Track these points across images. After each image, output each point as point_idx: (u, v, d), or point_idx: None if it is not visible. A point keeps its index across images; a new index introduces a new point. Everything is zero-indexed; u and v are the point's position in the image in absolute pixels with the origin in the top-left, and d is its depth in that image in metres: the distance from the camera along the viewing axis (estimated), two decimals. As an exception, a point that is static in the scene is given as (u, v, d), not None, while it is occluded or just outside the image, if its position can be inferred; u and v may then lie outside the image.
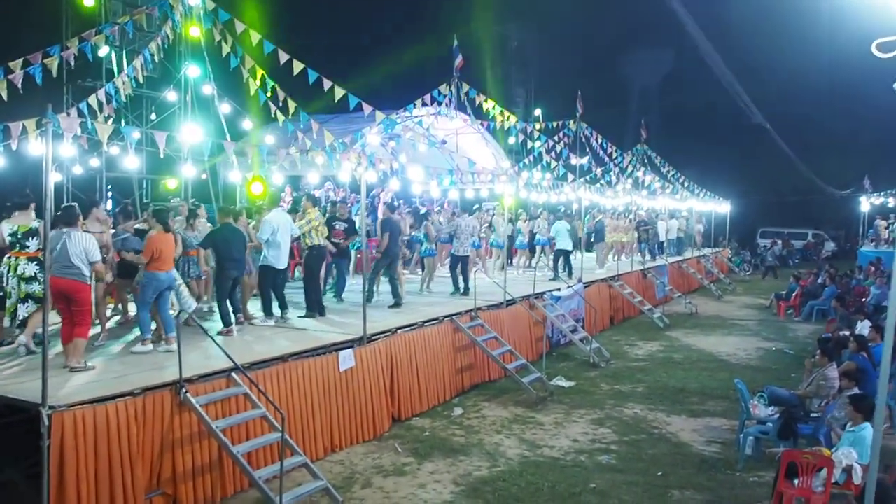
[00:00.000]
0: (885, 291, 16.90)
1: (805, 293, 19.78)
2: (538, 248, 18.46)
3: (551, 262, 17.04)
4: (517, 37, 36.48)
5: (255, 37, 10.20)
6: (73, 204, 7.59)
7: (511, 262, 17.42)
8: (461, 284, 13.30)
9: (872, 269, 21.40)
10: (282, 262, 9.81)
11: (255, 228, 10.20)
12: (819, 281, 20.86)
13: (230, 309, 9.07)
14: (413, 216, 15.44)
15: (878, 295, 16.52)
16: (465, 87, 17.33)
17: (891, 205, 32.31)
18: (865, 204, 32.76)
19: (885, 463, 6.71)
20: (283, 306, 9.98)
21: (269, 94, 10.48)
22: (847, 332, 11.37)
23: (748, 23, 37.05)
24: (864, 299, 17.49)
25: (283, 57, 10.07)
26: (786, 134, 33.49)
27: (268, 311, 9.73)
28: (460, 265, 13.44)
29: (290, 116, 10.39)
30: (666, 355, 13.87)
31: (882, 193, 32.45)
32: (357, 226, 12.05)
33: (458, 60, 17.33)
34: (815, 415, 8.31)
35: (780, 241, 38.37)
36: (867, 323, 12.20)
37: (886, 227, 29.91)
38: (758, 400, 8.65)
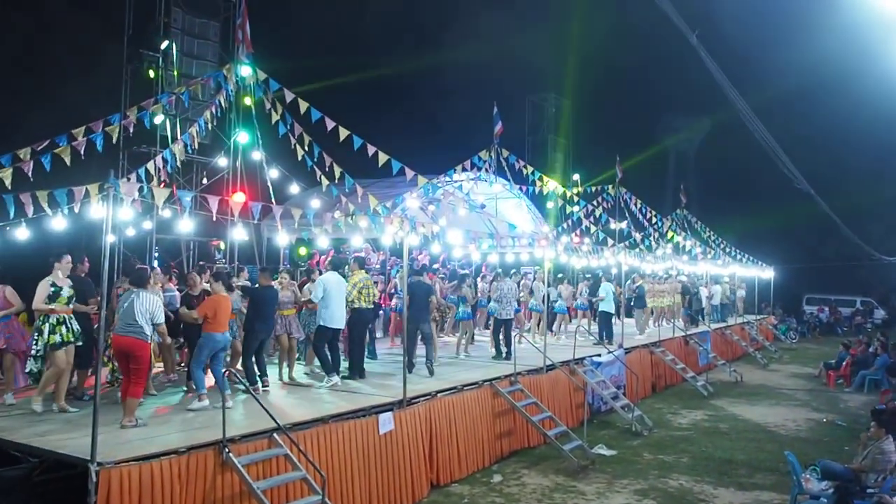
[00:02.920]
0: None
1: (856, 362, 19.15)
2: (580, 313, 18.34)
3: (591, 327, 16.87)
4: (555, 104, 37.01)
5: (303, 105, 10.61)
6: (144, 266, 7.88)
7: (550, 328, 17.29)
8: (503, 349, 13.22)
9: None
10: (336, 321, 9.92)
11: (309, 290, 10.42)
12: (870, 350, 20.20)
13: (255, 369, 9.20)
14: (452, 279, 15.54)
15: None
16: (505, 153, 17.66)
17: None
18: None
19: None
20: (336, 368, 10.01)
21: (314, 160, 10.82)
22: (902, 404, 10.96)
23: (798, 88, 37.20)
24: (918, 370, 16.87)
25: (330, 124, 10.44)
26: (830, 198, 33.07)
27: (328, 370, 9.79)
28: (503, 329, 13.40)
29: (335, 181, 10.69)
30: (711, 424, 13.48)
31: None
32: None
33: (498, 127, 17.70)
34: (871, 490, 7.97)
35: (826, 308, 37.39)
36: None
37: None
38: (810, 474, 8.36)
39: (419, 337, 11.83)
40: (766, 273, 34.30)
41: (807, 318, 37.42)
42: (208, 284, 8.97)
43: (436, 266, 17.55)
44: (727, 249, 28.88)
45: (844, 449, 11.35)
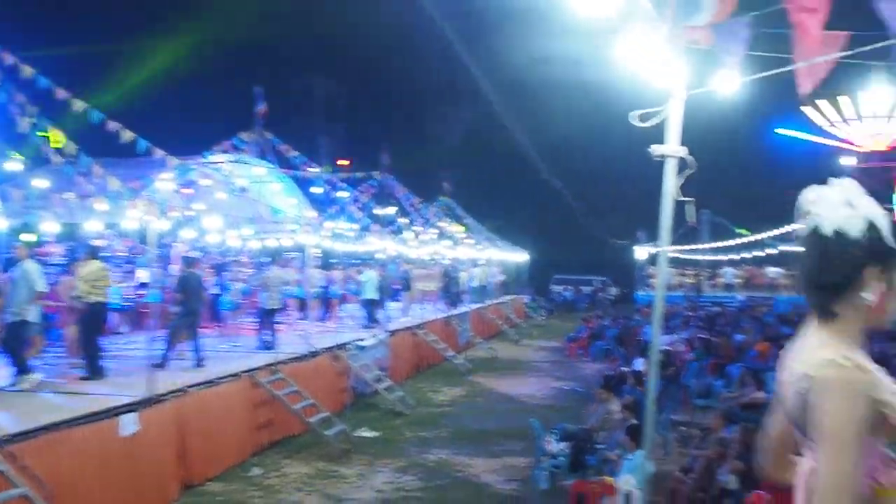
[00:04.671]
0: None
1: (592, 335, 21.38)
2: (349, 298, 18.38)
3: (359, 313, 16.98)
4: (325, 88, 36.77)
5: (27, 70, 9.30)
6: None
7: (321, 314, 17.10)
8: (268, 338, 12.72)
9: (646, 311, 23.69)
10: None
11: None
12: (604, 323, 22.69)
13: None
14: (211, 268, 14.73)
15: (650, 334, 18.25)
16: (269, 135, 17.07)
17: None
18: (640, 253, 36.42)
19: (663, 486, 7.32)
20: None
21: (43, 133, 9.55)
22: (626, 369, 12.40)
23: (544, 88, 40.26)
24: (639, 338, 19.24)
25: (62, 94, 9.28)
26: (575, 190, 36.64)
27: (25, 369, 8.60)
28: (267, 318, 12.90)
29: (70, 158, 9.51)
30: (469, 399, 14.24)
31: (651, 244, 36.32)
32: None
33: (261, 107, 17.06)
34: (600, 446, 8.89)
35: (570, 288, 41.39)
36: (641, 360, 13.39)
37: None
38: (551, 436, 9.11)
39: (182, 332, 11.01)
40: (521, 257, 37.12)
41: (553, 296, 41.08)
42: None
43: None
44: (487, 236, 30.78)
45: (582, 412, 12.57)
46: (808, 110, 31.95)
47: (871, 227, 1.78)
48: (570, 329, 25.80)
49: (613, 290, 43.46)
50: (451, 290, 23.70)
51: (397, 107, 48.43)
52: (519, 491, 8.60)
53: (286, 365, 11.28)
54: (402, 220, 23.67)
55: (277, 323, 13.22)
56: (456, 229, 27.52)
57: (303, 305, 15.65)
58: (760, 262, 40.90)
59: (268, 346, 12.47)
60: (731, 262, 42.65)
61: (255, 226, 16.01)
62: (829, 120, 32.01)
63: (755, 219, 36.84)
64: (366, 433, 11.15)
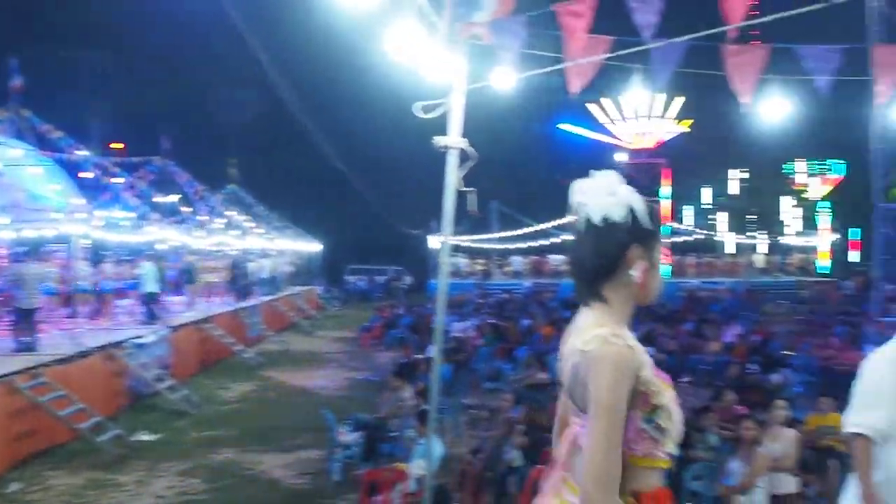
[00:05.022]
0: (447, 319, 19.47)
1: (386, 324, 21.64)
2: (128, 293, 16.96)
3: (137, 308, 15.74)
4: (94, 61, 33.46)
5: None
6: None
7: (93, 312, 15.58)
8: (27, 339, 11.30)
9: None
10: None
11: None
12: (398, 312, 23.10)
13: None
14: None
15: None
16: (26, 113, 15.35)
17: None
18: (433, 242, 37.57)
19: (453, 468, 7.60)
20: None
21: None
22: (420, 356, 12.71)
23: (336, 75, 39.86)
24: (432, 326, 19.87)
25: None
26: (369, 180, 36.76)
27: None
28: (25, 318, 11.45)
29: None
30: (259, 395, 13.78)
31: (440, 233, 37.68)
32: None
33: (17, 82, 15.31)
34: (394, 433, 9.02)
35: (365, 277, 41.66)
36: (434, 347, 13.82)
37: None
38: (344, 427, 9.09)
39: None
40: (314, 247, 36.65)
41: (348, 287, 41.11)
42: None
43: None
44: (277, 225, 29.97)
45: (376, 401, 12.69)
46: (592, 108, 34.99)
47: (631, 212, 1.98)
48: (364, 319, 25.90)
49: (408, 280, 44.43)
50: (239, 283, 22.75)
51: (178, 86, 45.31)
52: (311, 484, 8.47)
53: (51, 368, 10.13)
54: (186, 209, 22.32)
55: (39, 322, 11.85)
56: (244, 218, 26.50)
57: (68, 301, 14.18)
58: (545, 250, 43.94)
59: (27, 348, 11.13)
60: (519, 251, 45.43)
61: (11, 214, 14.20)
62: (609, 118, 35.30)
63: (540, 209, 39.53)
64: (145, 436, 10.35)
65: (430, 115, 4.51)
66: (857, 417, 3.25)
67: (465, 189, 4.68)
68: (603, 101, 34.36)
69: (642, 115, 34.44)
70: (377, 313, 22.58)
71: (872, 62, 5.06)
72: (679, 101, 32.96)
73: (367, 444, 8.52)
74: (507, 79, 4.79)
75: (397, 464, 7.51)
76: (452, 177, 4.64)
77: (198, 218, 21.59)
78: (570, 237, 2.12)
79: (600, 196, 1.99)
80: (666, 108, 33.90)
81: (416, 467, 7.00)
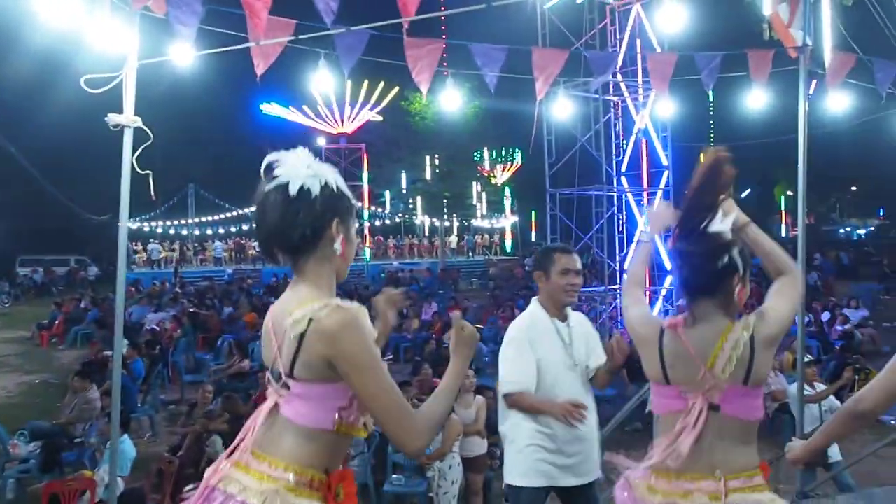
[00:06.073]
0: (141, 310, 18.16)
1: (69, 319, 19.42)
2: None
3: None
4: None
5: None
6: None
7: None
8: None
9: (133, 290, 22.63)
10: None
11: None
12: (82, 305, 20.90)
13: None
14: None
15: (137, 314, 17.60)
16: None
17: None
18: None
19: (150, 469, 7.16)
20: None
21: None
22: (109, 353, 11.67)
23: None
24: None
25: None
26: (40, 163, 32.28)
27: None
28: None
29: None
30: None
31: (132, 219, 34.76)
32: None
33: None
34: (78, 439, 8.23)
35: (41, 269, 36.89)
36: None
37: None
38: (18, 439, 8.06)
39: None
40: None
41: (21, 280, 36.07)
42: None
43: None
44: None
45: (58, 406, 11.38)
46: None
47: (327, 185, 2.01)
48: (41, 315, 22.91)
49: (94, 270, 40.25)
50: None
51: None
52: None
53: None
54: None
55: None
56: None
57: None
58: (246, 235, 42.70)
59: None
60: (219, 236, 43.62)
61: None
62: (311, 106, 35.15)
63: (241, 193, 38.18)
64: None
65: (99, 91, 4.17)
66: (509, 378, 3.79)
67: (140, 171, 4.43)
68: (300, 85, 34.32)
69: (340, 101, 35.23)
70: (56, 308, 20.18)
71: (532, 62, 5.84)
72: (379, 86, 34.07)
73: (45, 455, 7.66)
74: (185, 55, 4.61)
75: (84, 472, 6.90)
76: (127, 157, 4.36)
77: None
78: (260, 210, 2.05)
79: (298, 168, 1.99)
80: (366, 95, 35.03)
81: (106, 473, 6.49)
